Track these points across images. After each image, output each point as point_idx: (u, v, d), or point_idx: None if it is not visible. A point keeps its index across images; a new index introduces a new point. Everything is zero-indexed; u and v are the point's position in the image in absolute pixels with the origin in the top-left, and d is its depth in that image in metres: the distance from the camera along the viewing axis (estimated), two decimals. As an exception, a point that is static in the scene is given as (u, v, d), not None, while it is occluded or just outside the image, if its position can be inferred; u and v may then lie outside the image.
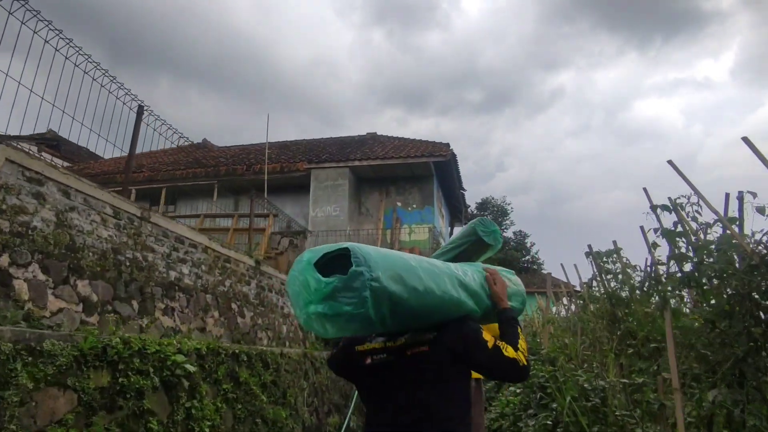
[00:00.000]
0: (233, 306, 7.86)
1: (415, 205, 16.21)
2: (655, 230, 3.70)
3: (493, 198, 29.55)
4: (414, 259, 1.84)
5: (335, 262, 1.65)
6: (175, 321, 6.32)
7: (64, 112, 5.96)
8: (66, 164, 20.55)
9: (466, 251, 2.82)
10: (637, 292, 4.08)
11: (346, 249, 1.65)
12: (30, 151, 5.76)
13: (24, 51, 5.42)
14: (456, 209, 20.80)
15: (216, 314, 7.29)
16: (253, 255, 8.97)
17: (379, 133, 19.73)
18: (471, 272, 2.15)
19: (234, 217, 12.20)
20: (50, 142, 20.26)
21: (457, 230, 22.95)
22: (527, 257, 27.83)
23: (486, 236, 2.83)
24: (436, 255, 2.97)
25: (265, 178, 13.42)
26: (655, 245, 3.52)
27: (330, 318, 1.58)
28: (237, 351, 4.34)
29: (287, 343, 9.62)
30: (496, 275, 2.23)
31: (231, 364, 4.12)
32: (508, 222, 28.78)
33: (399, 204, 16.27)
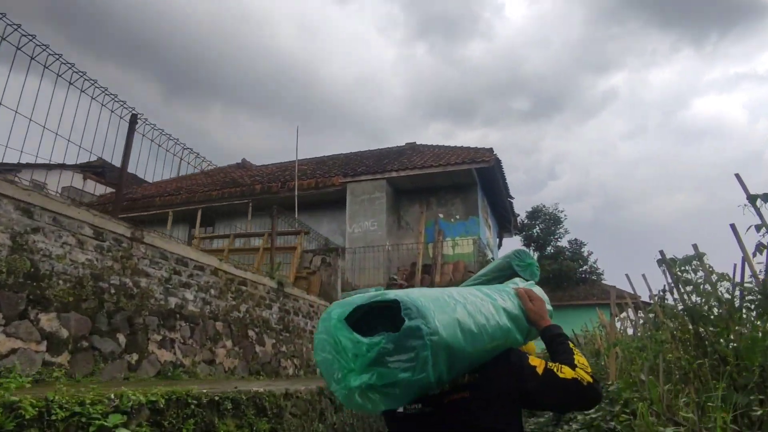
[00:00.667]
0: (250, 333, 7.07)
1: (458, 216, 15.19)
2: (757, 227, 2.69)
3: (544, 206, 28.02)
4: (457, 294, 1.57)
5: (371, 314, 1.37)
6: (175, 354, 5.56)
7: (104, 140, 5.32)
8: (109, 190, 20.62)
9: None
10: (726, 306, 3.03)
11: (384, 297, 1.34)
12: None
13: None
14: (504, 219, 19.62)
15: (229, 343, 6.52)
16: (275, 276, 8.20)
17: (418, 143, 18.86)
18: (505, 295, 1.82)
19: (264, 236, 11.53)
20: (96, 169, 20.40)
21: (507, 242, 21.60)
22: (584, 267, 26.14)
23: (522, 270, 2.69)
24: (467, 284, 2.80)
25: (296, 194, 12.75)
26: (762, 248, 2.49)
27: (380, 390, 1.26)
28: (218, 397, 3.49)
29: (317, 372, 8.76)
30: (530, 292, 1.89)
31: (206, 416, 3.28)
32: (561, 230, 27.23)
33: (441, 216, 15.29)
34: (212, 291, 6.40)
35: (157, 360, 5.26)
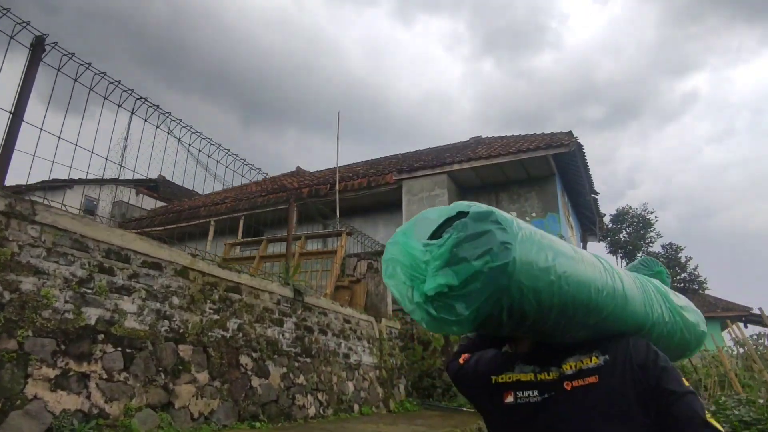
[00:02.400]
0: (244, 360, 4.90)
1: (534, 214, 12.54)
2: None
3: (630, 208, 24.51)
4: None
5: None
6: (89, 398, 3.44)
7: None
8: (160, 203, 19.53)
9: None
10: None
11: (456, 208, 1.16)
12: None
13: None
14: (588, 220, 16.66)
15: (202, 376, 4.35)
16: (291, 281, 6.03)
17: (484, 136, 16.36)
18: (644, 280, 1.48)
19: (300, 240, 9.47)
20: (149, 184, 19.37)
21: (593, 248, 18.45)
22: (683, 275, 22.43)
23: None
24: None
25: (336, 189, 10.65)
26: None
27: (460, 291, 1.03)
28: None
29: (355, 408, 6.46)
30: None
31: None
32: (653, 234, 23.63)
33: (513, 214, 12.63)
34: (175, 299, 4.28)
35: (45, 409, 3.16)
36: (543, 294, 1.11)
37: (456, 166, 12.35)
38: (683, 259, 22.74)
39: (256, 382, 4.94)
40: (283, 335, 5.55)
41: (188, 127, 5.83)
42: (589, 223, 17.01)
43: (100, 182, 16.26)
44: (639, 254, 23.85)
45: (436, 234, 1.14)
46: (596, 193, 15.08)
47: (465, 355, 1.53)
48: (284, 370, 5.41)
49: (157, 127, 5.47)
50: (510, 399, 1.30)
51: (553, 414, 1.25)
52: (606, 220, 23.97)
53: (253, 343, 5.05)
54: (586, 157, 12.87)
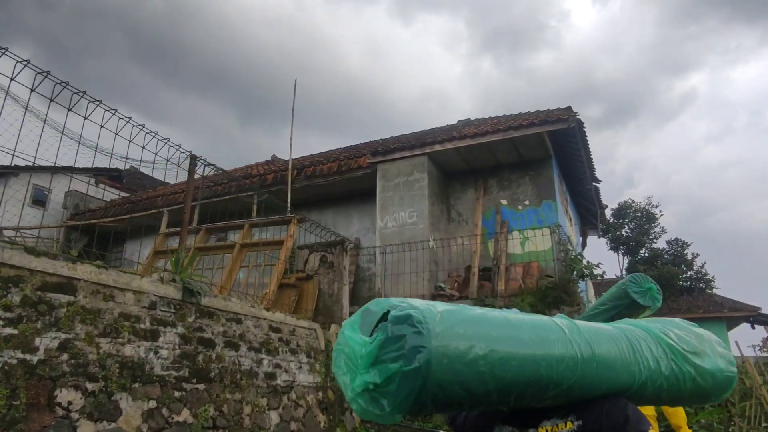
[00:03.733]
0: (65, 395, 3.15)
1: (527, 202, 10.78)
2: None
3: (633, 201, 22.68)
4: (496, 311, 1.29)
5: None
6: None
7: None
8: (123, 194, 17.77)
9: (619, 315, 2.58)
10: None
11: (384, 305, 1.17)
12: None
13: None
14: (588, 212, 14.88)
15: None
16: (182, 276, 4.27)
17: (473, 118, 14.60)
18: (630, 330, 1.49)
19: (244, 228, 7.72)
20: (112, 173, 17.66)
21: (594, 244, 16.69)
22: (689, 273, 20.64)
23: (640, 297, 2.56)
24: (582, 318, 2.69)
25: (289, 169, 8.94)
26: None
27: (382, 389, 1.08)
28: None
29: None
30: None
31: None
32: (657, 230, 21.80)
33: (504, 202, 10.95)
34: None
35: None
36: (473, 383, 1.11)
37: (437, 147, 10.58)
38: (689, 256, 20.95)
39: (89, 428, 3.19)
40: (156, 353, 3.80)
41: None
42: (589, 215, 15.22)
43: (52, 170, 14.44)
44: (642, 251, 22.07)
45: (376, 327, 1.14)
46: (598, 181, 13.28)
47: None
48: (152, 404, 3.66)
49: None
50: None
51: None
52: (607, 214, 22.19)
53: (90, 369, 3.30)
54: (587, 139, 11.08)
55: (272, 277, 6.80)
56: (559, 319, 1.35)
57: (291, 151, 9.60)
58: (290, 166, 9.34)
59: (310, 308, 6.81)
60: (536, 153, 10.68)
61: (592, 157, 11.93)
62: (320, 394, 5.66)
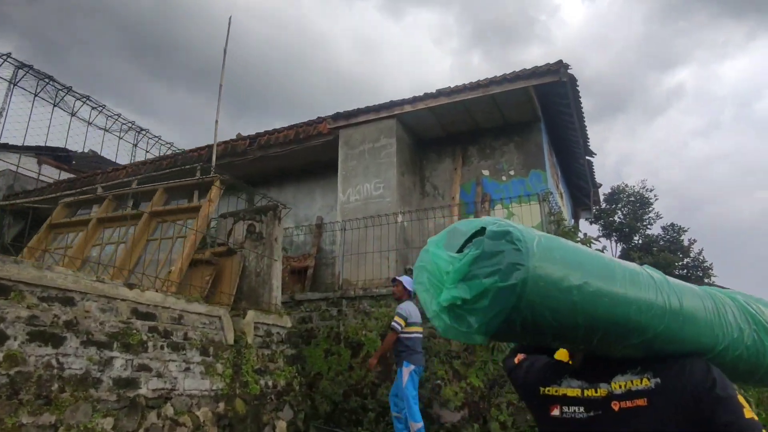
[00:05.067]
0: None
1: (512, 172, 9.16)
2: None
3: (626, 185, 21.10)
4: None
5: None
6: None
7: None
8: (70, 176, 15.99)
9: None
10: None
11: (481, 222, 1.18)
12: None
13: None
14: (581, 191, 13.28)
15: None
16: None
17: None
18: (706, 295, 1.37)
19: (157, 193, 6.05)
20: (58, 153, 15.87)
21: (585, 227, 15.23)
22: (686, 260, 19.14)
23: None
24: None
25: (215, 131, 7.27)
26: None
27: (471, 305, 1.07)
28: None
29: None
30: None
31: None
32: (652, 215, 20.26)
33: (486, 173, 9.32)
34: None
35: None
36: (564, 312, 1.08)
37: (407, 107, 8.92)
38: (686, 242, 19.46)
39: None
40: None
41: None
42: (581, 195, 13.63)
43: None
44: (636, 237, 20.55)
45: (464, 246, 1.14)
46: (592, 153, 11.66)
47: (520, 356, 1.50)
48: None
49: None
50: (556, 412, 1.28)
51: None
52: (600, 196, 20.59)
53: None
54: (581, 102, 9.44)
55: (182, 251, 5.14)
56: (648, 269, 1.28)
57: (219, 103, 7.89)
58: (216, 118, 7.63)
59: (228, 290, 5.15)
60: (522, 115, 9.05)
61: (585, 124, 10.30)
62: (221, 405, 4.02)
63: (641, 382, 1.20)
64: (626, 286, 1.15)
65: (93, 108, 9.55)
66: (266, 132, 10.15)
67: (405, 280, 6.07)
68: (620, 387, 1.21)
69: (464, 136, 9.57)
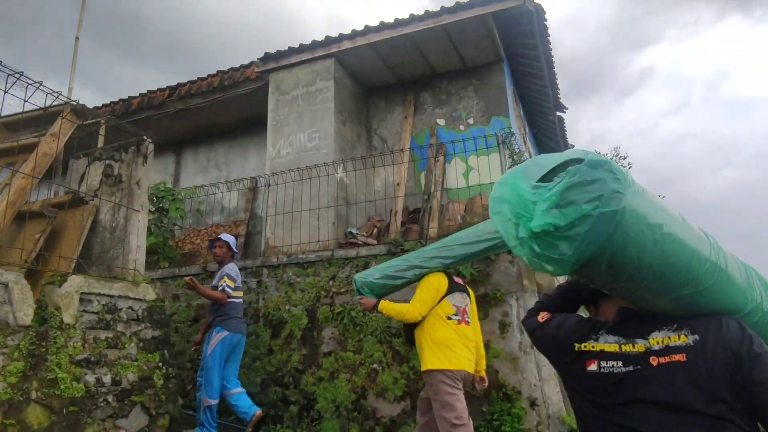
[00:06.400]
0: None
1: (471, 121, 7.74)
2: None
3: (599, 153, 19.90)
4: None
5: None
6: None
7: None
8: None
9: (493, 249, 3.50)
10: None
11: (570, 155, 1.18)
12: None
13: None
14: (550, 151, 11.91)
15: None
16: None
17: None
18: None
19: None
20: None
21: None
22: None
23: None
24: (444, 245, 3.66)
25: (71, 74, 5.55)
26: None
27: (564, 232, 1.07)
28: None
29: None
30: None
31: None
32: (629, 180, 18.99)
33: (441, 122, 7.88)
34: None
35: None
36: (645, 251, 1.09)
37: (347, 44, 7.38)
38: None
39: None
40: None
41: None
42: (551, 152, 12.26)
43: None
44: (609, 208, 19.40)
45: (544, 179, 1.13)
46: (563, 108, 10.27)
47: (544, 314, 1.49)
48: None
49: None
50: (593, 367, 1.29)
51: (637, 387, 1.21)
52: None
53: None
54: (550, 43, 8.00)
55: (2, 200, 3.60)
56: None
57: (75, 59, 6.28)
58: (77, 34, 6.00)
59: (69, 253, 3.64)
60: (482, 55, 7.60)
61: (555, 71, 8.88)
62: (-4, 416, 2.53)
63: (679, 338, 1.22)
64: (691, 236, 1.19)
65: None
66: (188, 81, 8.53)
67: (230, 240, 5.16)
68: (658, 343, 1.23)
69: (416, 81, 8.10)
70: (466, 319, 3.78)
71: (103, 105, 9.18)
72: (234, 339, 4.75)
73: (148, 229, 7.11)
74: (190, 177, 9.40)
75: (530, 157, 9.66)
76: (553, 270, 1.12)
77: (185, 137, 9.54)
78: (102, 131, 6.05)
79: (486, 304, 5.01)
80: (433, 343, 3.56)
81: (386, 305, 3.67)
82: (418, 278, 3.78)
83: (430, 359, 3.55)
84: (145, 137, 4.14)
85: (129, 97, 8.93)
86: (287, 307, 5.81)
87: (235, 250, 5.22)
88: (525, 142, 9.24)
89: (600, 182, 1.04)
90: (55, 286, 3.07)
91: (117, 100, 9.03)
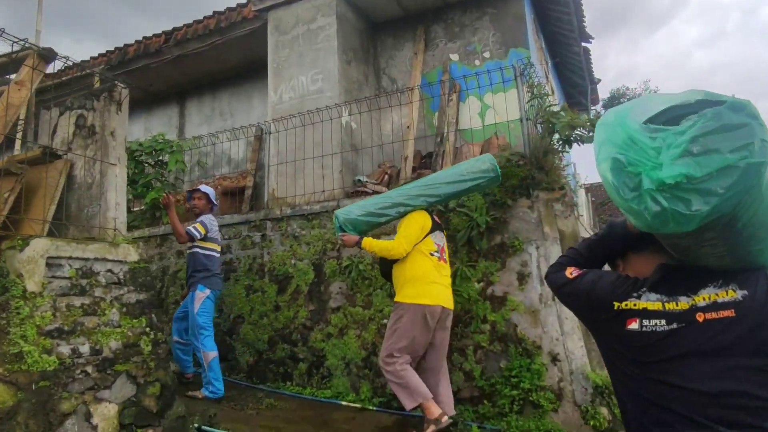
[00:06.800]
0: None
1: (487, 54, 7.09)
2: None
3: (627, 88, 18.68)
4: None
5: None
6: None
7: None
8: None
9: (475, 189, 3.91)
10: None
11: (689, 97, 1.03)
12: None
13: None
14: (575, 88, 11.17)
15: None
16: None
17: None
18: None
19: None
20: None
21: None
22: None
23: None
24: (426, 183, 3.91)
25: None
26: None
27: (697, 185, 0.94)
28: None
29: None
30: None
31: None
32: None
33: (454, 57, 7.25)
34: None
35: None
36: (763, 206, 1.02)
37: (348, -26, 6.72)
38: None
39: None
40: None
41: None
42: (576, 93, 11.52)
43: None
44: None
45: (653, 121, 1.02)
46: (589, 38, 9.44)
47: (571, 269, 1.42)
48: None
49: None
50: (634, 326, 1.24)
51: (682, 344, 1.18)
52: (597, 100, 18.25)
53: None
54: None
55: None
56: None
57: None
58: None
59: (41, 214, 3.32)
60: (498, -21, 6.86)
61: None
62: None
63: (727, 294, 1.19)
64: None
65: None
66: (184, 25, 8.00)
67: (209, 191, 5.01)
68: (704, 299, 1.20)
69: (428, 13, 7.41)
70: (444, 257, 3.87)
71: (99, 55, 8.73)
72: (215, 295, 4.74)
73: (149, 183, 6.82)
74: (195, 128, 9.00)
75: (552, 92, 8.99)
76: (673, 228, 1.01)
77: (187, 87, 9.10)
78: (97, 82, 5.65)
79: (503, 253, 4.60)
80: (414, 278, 3.62)
81: (370, 242, 3.71)
82: (401, 216, 3.81)
83: (410, 293, 3.61)
84: (117, 82, 3.71)
85: (125, 45, 8.45)
86: (293, 262, 5.50)
87: (215, 202, 5.07)
88: (546, 76, 8.56)
89: (747, 128, 0.93)
90: (16, 251, 2.77)
91: (113, 48, 8.55)
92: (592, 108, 12.54)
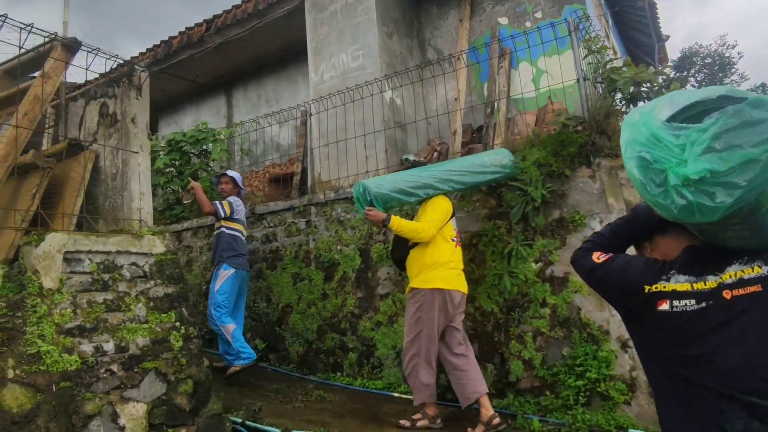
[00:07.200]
0: None
1: (539, 14, 6.50)
2: None
3: (701, 46, 17.05)
4: None
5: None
6: None
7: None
8: None
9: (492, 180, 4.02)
10: None
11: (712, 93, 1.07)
12: None
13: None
14: (639, 47, 10.23)
15: None
16: None
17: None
18: None
19: None
20: None
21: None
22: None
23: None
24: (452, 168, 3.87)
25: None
26: None
27: (720, 179, 0.98)
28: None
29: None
30: None
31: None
32: (736, 77, 16.25)
33: (503, 21, 6.70)
34: None
35: None
36: None
37: (385, -61, 6.31)
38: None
39: None
40: None
41: None
42: (642, 53, 10.55)
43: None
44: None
45: (676, 119, 1.06)
46: (655, -10, 8.54)
47: (599, 253, 1.43)
48: None
49: None
50: (664, 307, 1.27)
51: (711, 321, 1.21)
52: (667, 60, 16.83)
53: None
54: None
55: (-7, 154, 3.19)
56: None
57: None
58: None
59: (69, 209, 3.21)
60: (548, -71, 6.23)
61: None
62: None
63: (753, 270, 1.21)
64: None
65: None
66: (224, 11, 7.86)
67: (236, 176, 5.12)
68: (731, 277, 1.22)
69: (472, -25, 6.88)
70: (459, 243, 3.86)
71: (147, 50, 8.78)
72: (240, 275, 4.74)
73: (196, 174, 6.76)
74: (242, 117, 8.91)
75: (614, 52, 8.23)
76: (699, 218, 1.05)
77: (233, 76, 9.02)
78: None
79: (562, 229, 4.12)
80: (436, 263, 3.56)
81: (399, 221, 3.57)
82: (426, 198, 3.76)
83: (430, 277, 3.55)
84: (136, 65, 3.53)
85: (170, 37, 8.44)
86: (339, 247, 5.25)
87: (242, 186, 5.21)
88: (607, 35, 7.81)
89: (765, 124, 0.97)
90: (31, 247, 2.64)
91: (159, 42, 8.57)
92: (661, 68, 11.48)
